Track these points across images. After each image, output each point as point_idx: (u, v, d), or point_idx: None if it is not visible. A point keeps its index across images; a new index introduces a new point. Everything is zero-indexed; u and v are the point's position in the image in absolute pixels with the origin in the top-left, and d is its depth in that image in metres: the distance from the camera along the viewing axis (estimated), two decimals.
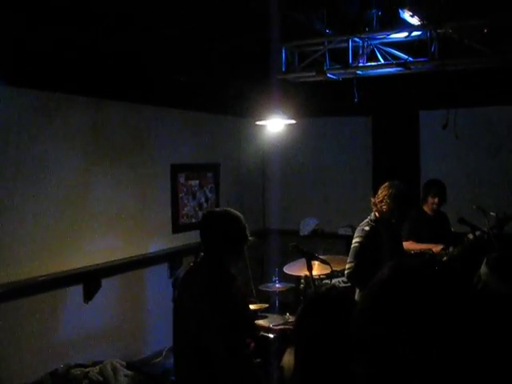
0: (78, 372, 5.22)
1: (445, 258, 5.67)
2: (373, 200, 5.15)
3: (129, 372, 5.40)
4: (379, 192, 5.13)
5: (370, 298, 1.23)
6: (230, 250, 3.64)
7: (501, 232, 5.84)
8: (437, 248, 5.96)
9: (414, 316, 1.11)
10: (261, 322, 4.89)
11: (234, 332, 3.47)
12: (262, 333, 4.20)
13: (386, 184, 5.15)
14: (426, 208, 6.44)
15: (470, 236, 5.70)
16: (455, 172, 7.82)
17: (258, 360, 3.91)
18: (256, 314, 5.02)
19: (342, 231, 8.26)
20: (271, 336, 4.60)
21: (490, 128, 7.68)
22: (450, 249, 5.82)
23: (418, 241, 6.07)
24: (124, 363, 5.55)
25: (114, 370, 5.30)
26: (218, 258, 3.62)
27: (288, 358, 4.21)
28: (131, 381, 5.31)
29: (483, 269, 3.05)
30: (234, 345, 3.48)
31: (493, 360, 1.14)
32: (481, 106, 7.53)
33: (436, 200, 6.36)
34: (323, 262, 4.30)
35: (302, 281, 5.69)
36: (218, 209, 3.84)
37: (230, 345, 3.43)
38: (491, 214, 5.80)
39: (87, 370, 5.30)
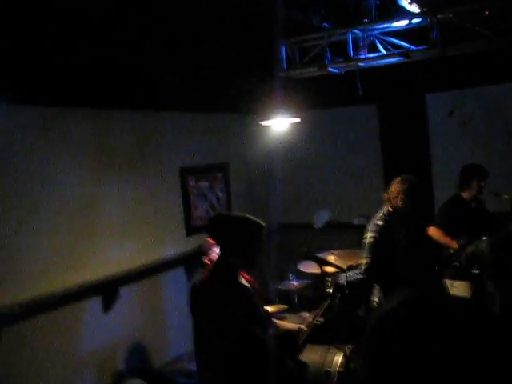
0: None
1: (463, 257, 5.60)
2: (386, 195, 5.13)
3: None
4: (392, 187, 5.11)
5: (365, 343, 1.26)
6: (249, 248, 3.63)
7: None
8: (453, 244, 5.75)
9: (404, 365, 1.15)
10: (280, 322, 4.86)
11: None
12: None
13: (399, 179, 5.12)
14: (465, 194, 5.99)
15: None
16: (466, 156, 7.67)
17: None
18: (273, 316, 4.98)
19: (355, 221, 8.20)
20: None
21: (501, 107, 7.49)
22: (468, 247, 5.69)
23: (455, 228, 5.65)
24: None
25: None
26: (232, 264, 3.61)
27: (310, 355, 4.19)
28: None
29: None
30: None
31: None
32: (487, 85, 7.37)
33: (482, 183, 5.94)
34: (336, 267, 4.21)
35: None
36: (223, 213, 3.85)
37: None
38: (505, 196, 5.73)
39: None
